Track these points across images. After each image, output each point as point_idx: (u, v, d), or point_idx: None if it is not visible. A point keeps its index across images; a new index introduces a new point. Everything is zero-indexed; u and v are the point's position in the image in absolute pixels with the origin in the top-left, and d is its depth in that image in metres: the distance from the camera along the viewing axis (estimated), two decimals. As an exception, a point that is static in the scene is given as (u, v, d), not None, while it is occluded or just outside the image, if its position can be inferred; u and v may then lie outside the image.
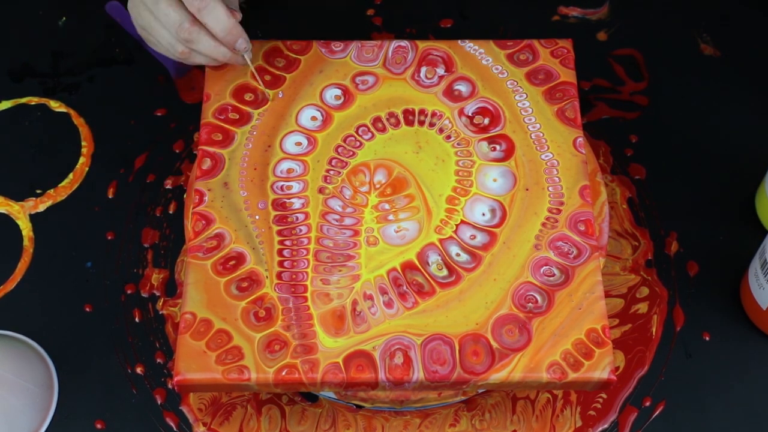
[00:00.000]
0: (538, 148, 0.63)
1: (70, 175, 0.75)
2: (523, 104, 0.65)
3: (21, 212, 0.74)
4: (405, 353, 0.57)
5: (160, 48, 0.65)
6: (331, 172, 0.63)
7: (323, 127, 0.65)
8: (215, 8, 0.61)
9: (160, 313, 0.70)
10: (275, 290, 0.59)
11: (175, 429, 0.66)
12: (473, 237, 0.60)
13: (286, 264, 0.60)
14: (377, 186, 0.62)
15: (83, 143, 0.77)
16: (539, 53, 0.67)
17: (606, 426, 0.66)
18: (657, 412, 0.66)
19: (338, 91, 0.66)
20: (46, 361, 0.68)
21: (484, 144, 0.64)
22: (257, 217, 0.61)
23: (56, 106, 0.79)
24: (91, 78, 0.80)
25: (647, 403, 0.66)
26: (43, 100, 0.79)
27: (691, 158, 0.75)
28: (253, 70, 0.66)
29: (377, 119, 0.65)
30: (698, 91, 0.78)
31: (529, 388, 0.58)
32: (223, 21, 0.62)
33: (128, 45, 0.81)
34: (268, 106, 0.65)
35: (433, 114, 0.65)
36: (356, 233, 0.61)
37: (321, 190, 0.62)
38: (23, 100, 0.79)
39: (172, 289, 0.71)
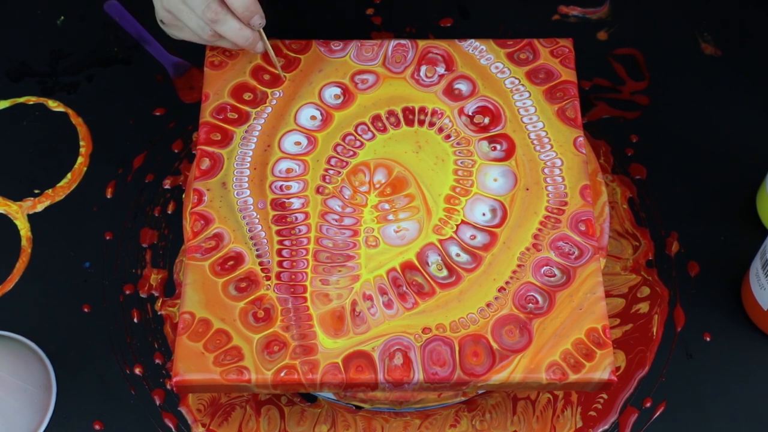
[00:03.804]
0: (538, 147, 0.63)
1: (69, 175, 0.75)
2: (524, 103, 0.65)
3: (19, 212, 0.74)
4: (405, 354, 0.56)
5: (184, 32, 0.65)
6: (331, 172, 0.63)
7: (323, 126, 0.64)
8: None
9: (159, 313, 0.70)
10: (274, 291, 0.58)
11: (173, 430, 0.66)
12: (473, 237, 0.60)
13: (285, 264, 0.59)
14: (377, 186, 0.62)
15: (81, 143, 0.77)
16: (539, 52, 0.67)
17: (606, 427, 0.65)
18: (658, 413, 0.66)
19: (338, 90, 0.66)
20: (44, 362, 0.67)
21: (485, 143, 0.64)
22: (257, 217, 0.61)
23: (54, 105, 0.78)
24: (90, 77, 0.80)
25: (648, 404, 0.66)
26: (42, 100, 0.79)
27: (692, 158, 0.75)
28: (270, 50, 0.65)
29: (377, 118, 0.65)
30: (699, 90, 0.78)
31: (530, 389, 0.58)
32: None
33: (127, 44, 0.81)
34: (267, 103, 0.65)
35: (434, 113, 0.65)
36: (356, 233, 0.60)
37: (320, 190, 0.62)
38: (21, 100, 0.79)
39: (171, 289, 0.71)
